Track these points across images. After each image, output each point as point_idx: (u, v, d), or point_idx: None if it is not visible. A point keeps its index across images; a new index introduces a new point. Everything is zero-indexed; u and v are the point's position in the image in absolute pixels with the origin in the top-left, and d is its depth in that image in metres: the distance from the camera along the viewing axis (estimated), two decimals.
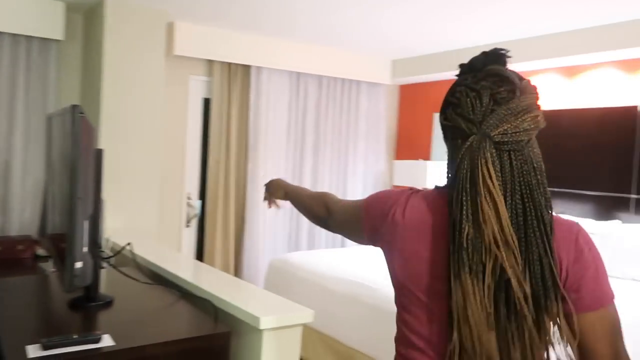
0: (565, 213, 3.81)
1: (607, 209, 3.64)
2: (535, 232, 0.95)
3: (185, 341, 1.57)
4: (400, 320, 1.12)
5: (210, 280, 2.10)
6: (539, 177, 0.99)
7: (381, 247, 1.18)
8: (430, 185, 4.61)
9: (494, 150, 0.98)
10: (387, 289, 2.77)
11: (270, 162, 4.49)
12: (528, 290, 0.92)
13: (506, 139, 0.99)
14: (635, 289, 3.02)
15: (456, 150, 1.04)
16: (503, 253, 0.93)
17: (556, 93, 4.09)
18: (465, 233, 0.96)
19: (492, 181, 0.96)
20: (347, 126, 4.98)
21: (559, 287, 0.94)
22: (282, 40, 4.41)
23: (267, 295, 1.96)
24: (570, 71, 4.00)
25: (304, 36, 4.27)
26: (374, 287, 2.85)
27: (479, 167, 0.97)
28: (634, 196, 3.52)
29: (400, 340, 1.12)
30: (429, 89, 5.12)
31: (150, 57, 3.55)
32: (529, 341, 0.93)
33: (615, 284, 3.07)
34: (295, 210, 4.70)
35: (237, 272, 4.41)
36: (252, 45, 4.28)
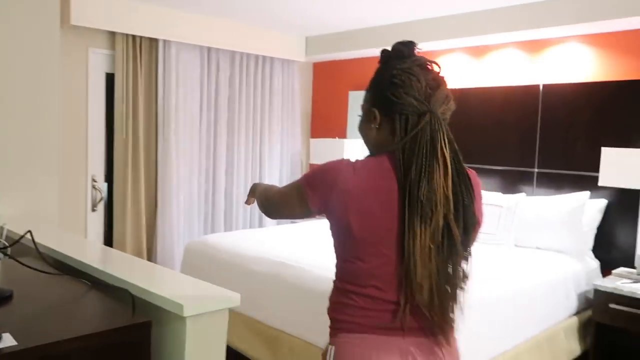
0: None
1: (512, 183, 3.84)
2: (463, 187, 1.28)
3: (99, 335, 1.42)
4: (355, 269, 1.33)
5: (124, 267, 1.94)
6: (456, 146, 1.31)
7: (331, 214, 1.35)
8: None
9: (443, 126, 1.28)
10: (309, 267, 2.74)
11: (183, 141, 4.28)
12: (461, 226, 1.26)
13: (444, 117, 1.31)
14: (539, 256, 3.22)
15: (408, 123, 1.30)
16: (450, 205, 1.25)
17: (464, 72, 4.23)
18: (423, 191, 1.23)
19: (446, 150, 1.27)
20: (262, 104, 4.85)
21: (477, 220, 1.31)
22: (192, 13, 4.18)
23: (188, 280, 1.84)
24: (477, 51, 4.15)
25: (215, 10, 4.07)
26: (296, 266, 2.80)
27: (439, 139, 1.27)
28: (536, 170, 3.73)
29: (356, 283, 1.33)
30: (343, 67, 5.11)
31: (43, 27, 3.20)
32: (458, 258, 1.28)
33: (521, 253, 3.26)
34: (210, 191, 4.55)
35: (151, 257, 4.19)
36: (159, 17, 4.02)
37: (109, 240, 4.06)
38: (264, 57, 4.83)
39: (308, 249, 3.10)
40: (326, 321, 1.40)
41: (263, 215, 4.94)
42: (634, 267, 3.21)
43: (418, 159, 1.26)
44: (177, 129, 4.22)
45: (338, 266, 1.38)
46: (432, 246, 1.24)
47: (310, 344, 2.60)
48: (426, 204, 1.23)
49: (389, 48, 1.40)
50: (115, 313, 1.57)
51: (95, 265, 1.93)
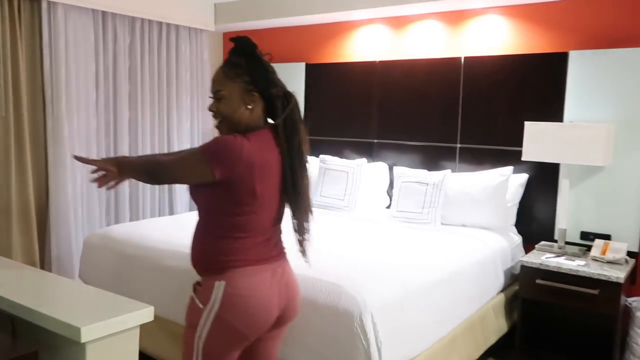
0: (397, 164, 3.85)
1: (434, 159, 3.76)
2: (304, 155, 1.71)
3: None
4: (248, 220, 1.67)
5: (2, 280, 1.56)
6: None
7: (235, 182, 1.61)
8: None
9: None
10: None
11: (77, 118, 3.76)
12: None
13: None
14: (467, 234, 3.16)
15: (278, 102, 1.68)
16: (306, 171, 1.73)
17: (384, 44, 4.06)
18: (304, 157, 1.69)
19: (303, 126, 1.71)
20: (169, 77, 4.40)
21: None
22: None
23: (88, 291, 1.50)
24: (397, 22, 3.99)
25: None
26: None
27: (300, 118, 1.72)
28: (459, 145, 3.67)
29: (247, 230, 1.68)
30: (257, 37, 4.73)
31: None
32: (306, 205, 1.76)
33: (449, 232, 3.17)
34: None
35: (44, 257, 3.68)
36: None
37: None
38: (169, 25, 4.36)
39: None
40: None
41: (175, 200, 4.47)
42: (554, 241, 3.25)
43: (297, 132, 1.67)
44: (69, 105, 3.69)
45: (226, 220, 1.67)
46: (307, 194, 1.74)
47: None
48: (304, 167, 1.71)
49: (238, 37, 1.73)
50: None
51: None
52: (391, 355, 2.04)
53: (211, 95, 1.72)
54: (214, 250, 1.68)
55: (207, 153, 1.60)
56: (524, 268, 2.96)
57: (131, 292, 2.76)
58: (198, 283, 1.73)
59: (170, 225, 3.17)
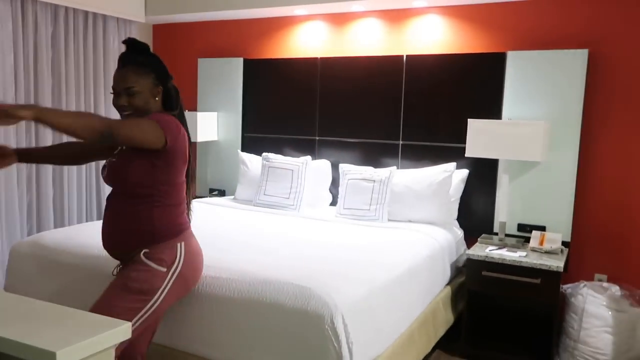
0: (340, 161, 3.85)
1: (377, 156, 3.79)
2: None
3: None
4: (181, 189, 2.02)
5: None
6: None
7: (176, 150, 1.93)
8: (201, 138, 4.17)
9: None
10: None
11: None
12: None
13: None
14: (414, 230, 3.21)
15: (173, 92, 2.05)
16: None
17: (324, 41, 4.04)
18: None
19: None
20: (96, 71, 4.12)
21: None
22: None
23: (53, 309, 1.35)
24: (338, 19, 3.98)
25: None
26: None
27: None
28: (401, 142, 3.73)
29: (180, 197, 2.02)
30: (189, 31, 4.57)
31: None
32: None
33: (397, 226, 3.21)
34: (33, 176, 3.73)
35: None
36: None
37: None
38: (95, 14, 4.08)
39: None
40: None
41: (102, 204, 4.25)
42: (494, 233, 3.38)
43: (184, 116, 2.07)
44: None
45: (163, 190, 1.94)
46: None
47: (188, 353, 2.23)
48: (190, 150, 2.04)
49: (131, 38, 2.03)
50: None
51: None
52: (360, 355, 2.02)
53: (115, 91, 1.97)
54: (163, 218, 1.94)
55: (160, 122, 1.89)
56: (470, 261, 3.06)
57: (67, 305, 2.55)
58: (144, 254, 1.90)
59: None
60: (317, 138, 4.01)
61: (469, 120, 3.23)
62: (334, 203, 3.84)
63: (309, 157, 3.82)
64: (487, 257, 3.01)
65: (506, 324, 3.32)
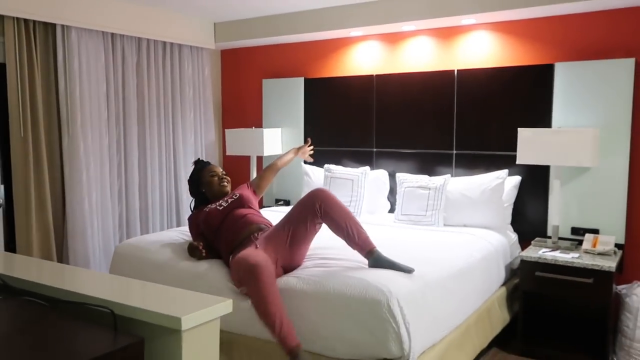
0: (397, 171, 4.10)
1: (432, 165, 4.02)
2: None
3: None
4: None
5: (83, 281, 1.72)
6: None
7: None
8: (267, 152, 4.53)
9: None
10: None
11: (91, 136, 3.90)
12: None
13: None
14: (469, 233, 3.40)
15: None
16: None
17: (379, 59, 4.32)
18: None
19: None
20: (173, 93, 4.58)
21: None
22: None
23: (166, 290, 1.68)
24: (391, 38, 4.26)
25: None
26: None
27: None
28: (455, 152, 3.93)
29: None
30: (254, 54, 4.97)
31: None
32: None
33: (452, 230, 3.42)
34: (123, 188, 4.22)
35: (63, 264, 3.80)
36: (54, 0, 3.60)
37: (11, 250, 3.60)
38: (172, 44, 4.55)
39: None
40: None
41: (182, 213, 4.94)
42: (547, 237, 3.52)
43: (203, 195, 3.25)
44: (83, 124, 3.84)
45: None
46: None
47: (266, 341, 2.53)
48: None
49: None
50: (97, 336, 1.38)
51: (48, 283, 1.69)
52: (417, 338, 2.26)
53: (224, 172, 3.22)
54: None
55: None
56: (524, 262, 3.23)
57: None
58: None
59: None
60: (374, 149, 4.29)
61: (518, 129, 3.41)
62: (391, 210, 4.09)
63: (367, 168, 4.09)
64: (540, 258, 3.17)
65: (561, 323, 3.45)
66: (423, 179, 3.77)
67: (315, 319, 2.38)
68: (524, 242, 3.62)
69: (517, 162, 3.43)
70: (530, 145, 3.36)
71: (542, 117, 3.58)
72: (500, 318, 3.25)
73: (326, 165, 4.20)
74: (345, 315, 2.30)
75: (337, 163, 4.34)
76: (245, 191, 3.16)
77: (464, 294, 2.77)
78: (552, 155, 3.30)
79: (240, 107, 5.10)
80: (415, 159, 4.09)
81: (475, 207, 3.57)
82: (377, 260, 2.52)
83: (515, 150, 3.49)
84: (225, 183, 3.17)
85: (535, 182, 3.64)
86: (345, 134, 4.43)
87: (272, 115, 4.79)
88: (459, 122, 3.91)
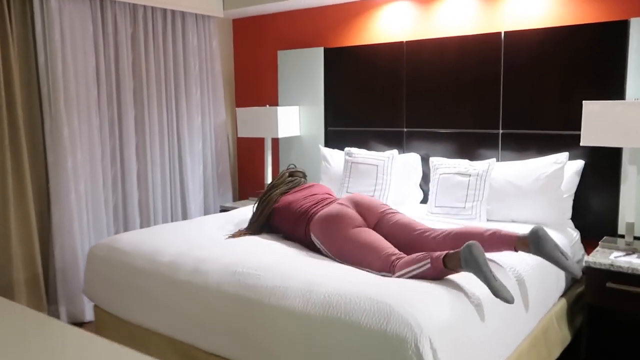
0: (431, 155, 3.48)
1: (473, 148, 3.38)
2: None
3: None
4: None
5: None
6: None
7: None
8: (282, 134, 3.98)
9: None
10: (270, 274, 2.09)
11: (78, 117, 3.43)
12: None
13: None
14: (518, 230, 2.77)
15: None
16: None
17: (411, 23, 3.67)
18: None
19: None
20: (176, 69, 4.06)
21: None
22: None
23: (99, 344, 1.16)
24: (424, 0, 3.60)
25: None
26: (252, 273, 2.13)
27: None
28: (501, 131, 3.28)
29: None
30: (268, 23, 4.39)
31: None
32: None
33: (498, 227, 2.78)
34: (118, 176, 3.75)
35: (47, 270, 3.39)
36: None
37: None
38: (174, 12, 4.01)
39: (255, 251, 2.44)
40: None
41: (188, 203, 4.40)
42: (618, 236, 2.86)
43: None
44: (68, 103, 3.36)
45: None
46: None
47: None
48: None
49: None
50: None
51: None
52: None
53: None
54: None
55: None
56: (590, 270, 2.58)
57: (143, 311, 2.43)
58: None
59: (187, 231, 2.82)
60: (404, 129, 3.67)
61: (584, 102, 2.74)
62: (424, 201, 3.49)
63: (395, 151, 3.49)
64: (612, 265, 2.51)
65: (635, 344, 2.79)
66: (462, 163, 3.14)
67: (316, 344, 1.83)
68: (588, 242, 2.97)
69: (582, 144, 2.76)
70: (599, 122, 2.69)
71: (612, 87, 2.88)
72: (559, 338, 2.63)
73: (347, 149, 3.61)
74: (352, 349, 1.73)
75: (361, 146, 3.74)
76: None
77: (515, 314, 2.16)
78: (627, 135, 2.61)
79: (253, 83, 4.55)
80: (453, 140, 3.45)
81: (526, 198, 2.93)
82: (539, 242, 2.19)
83: (577, 128, 2.83)
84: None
85: (604, 167, 2.96)
86: (371, 112, 3.81)
87: (288, 92, 4.21)
88: (507, 95, 3.24)
